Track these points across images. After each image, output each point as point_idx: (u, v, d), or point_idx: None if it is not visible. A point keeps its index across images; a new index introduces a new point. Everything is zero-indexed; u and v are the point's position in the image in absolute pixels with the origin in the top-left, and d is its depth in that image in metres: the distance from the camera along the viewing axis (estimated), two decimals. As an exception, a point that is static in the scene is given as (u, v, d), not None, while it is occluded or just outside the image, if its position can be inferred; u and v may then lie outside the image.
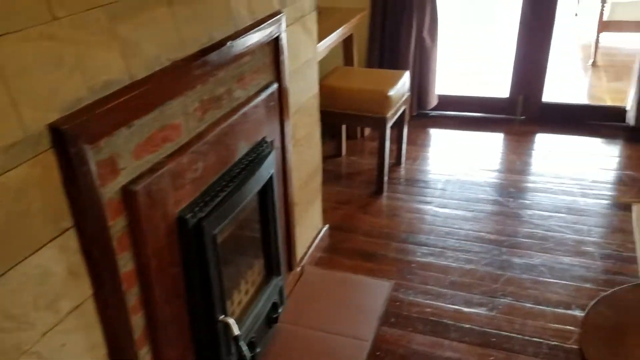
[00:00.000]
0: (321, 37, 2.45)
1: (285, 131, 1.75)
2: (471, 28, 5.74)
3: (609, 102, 3.72)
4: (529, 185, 2.77)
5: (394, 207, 2.66)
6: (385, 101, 2.58)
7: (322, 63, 3.18)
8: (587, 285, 2.09)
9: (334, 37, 2.66)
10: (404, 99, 2.80)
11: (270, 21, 1.53)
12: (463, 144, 3.25)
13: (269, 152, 1.58)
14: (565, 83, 4.10)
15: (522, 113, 3.50)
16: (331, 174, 2.96)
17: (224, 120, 1.38)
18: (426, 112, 3.57)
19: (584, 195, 2.66)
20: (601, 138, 3.22)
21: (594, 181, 2.77)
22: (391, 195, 2.76)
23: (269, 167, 1.58)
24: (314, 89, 2.07)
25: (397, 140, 2.96)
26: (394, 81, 2.70)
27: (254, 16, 1.49)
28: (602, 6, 4.14)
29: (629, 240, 2.33)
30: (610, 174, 2.85)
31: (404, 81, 2.78)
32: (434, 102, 3.54)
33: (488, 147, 3.20)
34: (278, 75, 1.66)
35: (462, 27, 5.68)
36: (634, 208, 2.51)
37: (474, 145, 3.23)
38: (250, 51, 1.46)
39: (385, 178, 2.76)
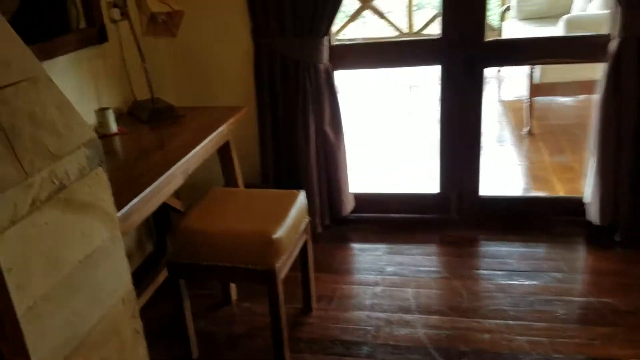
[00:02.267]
0: (180, 150, 1.69)
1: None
2: (381, 118, 4.83)
3: (560, 191, 3.10)
4: (485, 338, 2.01)
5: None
6: (270, 247, 1.77)
7: (195, 185, 2.40)
8: None
9: (200, 150, 1.86)
10: (302, 227, 2.01)
11: None
12: (392, 263, 2.49)
13: None
14: (501, 166, 3.49)
15: (458, 211, 2.81)
16: (215, 337, 2.10)
17: None
18: (343, 217, 2.81)
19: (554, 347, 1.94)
20: (560, 242, 2.56)
21: (563, 321, 2.05)
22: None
23: None
24: (119, 290, 1.22)
25: (303, 271, 2.15)
26: (283, 210, 1.91)
27: None
28: (532, 69, 3.62)
29: None
30: (581, 303, 2.15)
31: (299, 205, 2.00)
32: (349, 205, 2.80)
33: (423, 268, 2.45)
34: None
35: (371, 118, 4.78)
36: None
37: (405, 265, 2.47)
38: None
39: (286, 349, 1.92)
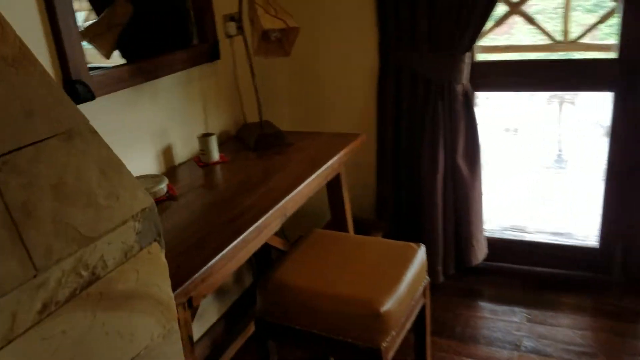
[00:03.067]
0: (281, 189, 1.43)
1: None
2: (520, 141, 4.03)
3: None
4: None
5: None
6: (377, 322, 1.42)
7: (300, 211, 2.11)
8: None
9: (303, 189, 1.58)
10: (419, 292, 1.64)
11: None
12: (532, 335, 1.99)
13: None
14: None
15: (623, 272, 2.22)
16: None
17: None
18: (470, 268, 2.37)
19: None
20: None
21: None
22: None
23: None
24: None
25: (417, 337, 1.77)
26: (397, 272, 1.55)
27: None
28: None
29: None
30: None
31: (417, 264, 1.63)
32: (480, 253, 2.34)
33: (572, 346, 1.93)
34: None
35: (507, 141, 3.97)
36: None
37: (549, 340, 1.97)
38: None
39: None
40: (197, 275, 1.16)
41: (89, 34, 1.70)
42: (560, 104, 4.57)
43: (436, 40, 2.06)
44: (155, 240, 0.83)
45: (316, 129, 2.24)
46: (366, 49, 2.25)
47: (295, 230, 2.52)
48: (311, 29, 2.30)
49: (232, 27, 2.02)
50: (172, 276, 1.15)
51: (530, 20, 5.24)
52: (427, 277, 1.71)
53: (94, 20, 1.77)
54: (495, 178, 3.15)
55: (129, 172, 0.79)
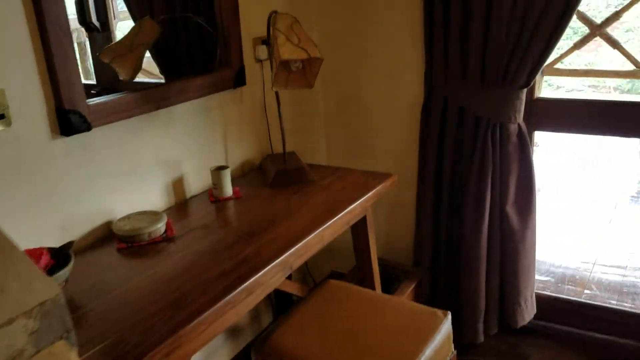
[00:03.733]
0: (290, 237, 1.30)
1: None
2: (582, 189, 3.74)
3: None
4: None
5: None
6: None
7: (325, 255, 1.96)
8: None
9: (313, 239, 1.41)
10: (442, 367, 1.40)
11: None
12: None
13: None
14: None
15: None
16: None
17: None
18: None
19: None
20: None
21: None
22: None
23: None
24: None
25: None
26: (418, 344, 1.33)
27: None
28: None
29: None
30: None
31: (442, 336, 1.39)
32: (528, 313, 2.05)
33: None
34: None
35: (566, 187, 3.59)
36: None
37: None
38: None
39: None
40: (160, 346, 1.01)
41: (111, 54, 1.62)
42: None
43: (488, 74, 1.81)
44: (61, 337, 0.67)
45: (353, 164, 2.07)
46: (411, 80, 2.04)
47: (321, 267, 2.34)
48: (355, 56, 2.13)
49: (263, 50, 1.88)
50: (132, 348, 1.01)
51: (614, 44, 4.72)
52: (454, 350, 1.47)
53: (117, 41, 1.70)
54: (561, 212, 2.82)
55: (23, 257, 0.65)
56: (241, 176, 1.91)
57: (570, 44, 2.01)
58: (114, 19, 1.76)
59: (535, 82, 1.89)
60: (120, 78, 1.64)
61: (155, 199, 1.60)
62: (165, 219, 1.44)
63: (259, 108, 1.95)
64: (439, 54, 1.89)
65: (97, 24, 1.67)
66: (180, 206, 1.65)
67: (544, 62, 1.74)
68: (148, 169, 1.57)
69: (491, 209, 1.92)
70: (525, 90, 1.81)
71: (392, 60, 2.07)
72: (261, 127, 1.97)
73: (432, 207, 2.05)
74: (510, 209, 1.93)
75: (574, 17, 1.65)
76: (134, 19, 1.70)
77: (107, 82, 1.62)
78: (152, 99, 1.51)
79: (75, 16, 1.53)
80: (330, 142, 2.32)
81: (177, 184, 1.66)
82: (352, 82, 2.18)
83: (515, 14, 1.70)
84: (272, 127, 1.97)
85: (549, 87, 5.45)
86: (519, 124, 1.85)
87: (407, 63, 2.03)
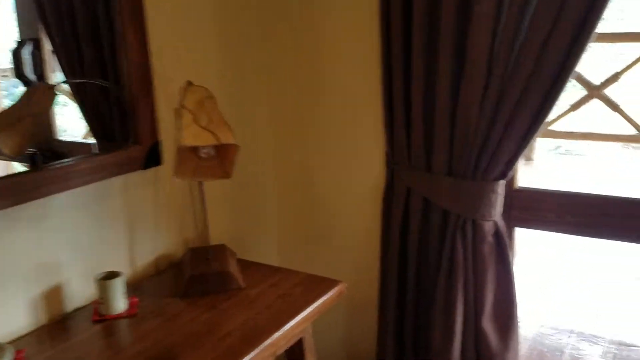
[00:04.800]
0: None
1: None
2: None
3: None
4: None
5: None
6: None
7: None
8: None
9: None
10: None
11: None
12: None
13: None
14: None
15: None
16: None
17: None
18: None
19: None
20: None
21: None
22: None
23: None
24: None
25: None
26: None
27: None
28: None
29: None
30: None
31: None
32: None
33: None
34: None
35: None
36: None
37: None
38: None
39: None
40: None
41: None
42: None
43: (456, 162, 1.49)
44: None
45: (308, 258, 1.72)
46: (371, 163, 1.73)
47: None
48: (308, 131, 1.82)
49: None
50: None
51: (613, 106, 4.39)
52: None
53: (2, 110, 1.37)
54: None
55: None
56: (154, 275, 1.53)
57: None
58: (52, 72, 1.44)
59: (515, 171, 1.58)
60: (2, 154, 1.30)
61: (17, 317, 1.20)
62: (10, 355, 1.04)
63: (182, 189, 1.59)
64: (400, 134, 1.58)
65: (33, 77, 1.36)
66: (53, 327, 1.24)
67: (523, 150, 1.42)
68: (8, 278, 1.18)
69: (464, 324, 1.55)
70: (502, 182, 1.48)
71: (351, 138, 1.76)
72: (185, 211, 1.61)
73: (394, 317, 1.67)
74: (487, 323, 1.56)
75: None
76: (66, 75, 1.38)
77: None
78: (14, 190, 1.14)
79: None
80: (283, 231, 1.97)
81: (52, 296, 1.27)
82: (305, 163, 1.87)
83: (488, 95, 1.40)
84: (200, 211, 1.61)
85: (540, 148, 5.21)
86: (495, 222, 1.52)
87: (368, 142, 1.72)
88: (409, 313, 1.67)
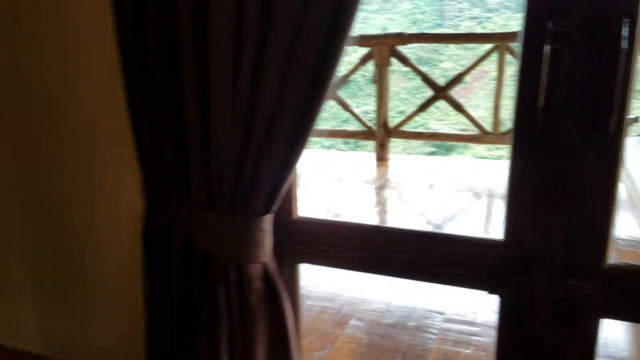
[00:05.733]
0: None
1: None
2: None
3: None
4: None
5: None
6: None
7: None
8: None
9: None
10: None
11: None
12: None
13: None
14: None
15: None
16: None
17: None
18: None
19: None
20: None
21: None
22: None
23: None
24: None
25: None
26: None
27: None
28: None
29: None
30: None
31: None
32: None
33: None
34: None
35: None
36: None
37: None
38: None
39: None
40: None
41: None
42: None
43: (215, 194, 1.22)
44: None
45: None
46: (130, 194, 1.41)
47: None
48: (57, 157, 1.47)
49: None
50: None
51: (457, 107, 4.49)
52: None
53: None
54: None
55: None
56: None
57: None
58: None
59: (293, 199, 1.34)
60: None
61: None
62: None
63: None
64: (153, 166, 1.27)
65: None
66: None
67: (288, 176, 1.18)
68: None
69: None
70: (268, 217, 1.23)
71: (103, 162, 1.44)
72: None
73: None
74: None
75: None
76: None
77: None
78: None
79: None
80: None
81: None
82: (51, 180, 1.51)
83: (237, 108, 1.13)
84: None
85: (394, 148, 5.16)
86: (264, 263, 1.27)
87: (122, 168, 1.41)
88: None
